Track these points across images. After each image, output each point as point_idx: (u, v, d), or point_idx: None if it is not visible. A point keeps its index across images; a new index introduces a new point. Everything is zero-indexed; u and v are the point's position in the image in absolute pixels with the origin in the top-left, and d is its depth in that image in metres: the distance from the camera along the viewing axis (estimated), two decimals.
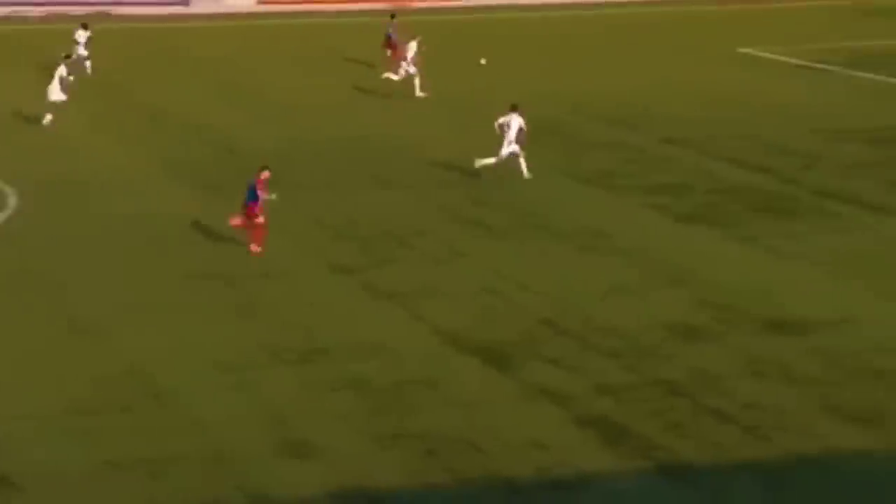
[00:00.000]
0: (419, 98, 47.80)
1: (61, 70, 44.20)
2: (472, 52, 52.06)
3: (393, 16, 54.83)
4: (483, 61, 49.11)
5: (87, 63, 51.61)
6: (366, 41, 54.69)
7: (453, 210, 34.16)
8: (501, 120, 36.94)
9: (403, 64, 48.17)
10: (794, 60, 56.89)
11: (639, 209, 33.26)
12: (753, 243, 31.62)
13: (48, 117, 43.46)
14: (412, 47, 48.40)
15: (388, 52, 51.95)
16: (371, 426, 21.89)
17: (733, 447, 21.17)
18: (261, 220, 30.38)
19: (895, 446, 21.24)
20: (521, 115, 36.70)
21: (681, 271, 29.53)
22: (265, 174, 30.62)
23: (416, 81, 48.00)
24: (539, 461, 20.74)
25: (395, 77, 48.20)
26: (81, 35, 52.62)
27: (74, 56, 49.87)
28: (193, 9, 70.39)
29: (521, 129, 36.86)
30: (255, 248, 30.49)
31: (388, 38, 52.59)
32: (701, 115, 45.80)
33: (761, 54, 58.39)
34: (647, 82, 50.66)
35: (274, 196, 30.60)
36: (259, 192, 30.30)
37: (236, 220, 30.72)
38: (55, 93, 43.56)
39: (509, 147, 36.72)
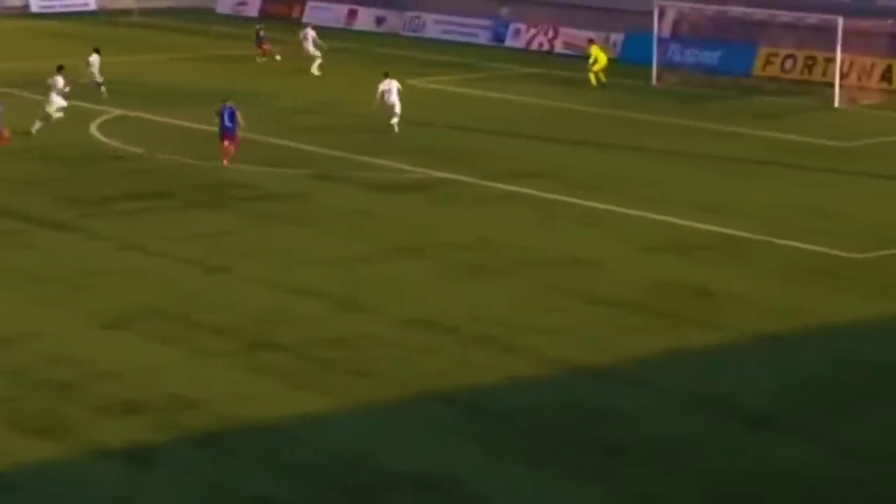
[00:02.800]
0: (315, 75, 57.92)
1: (57, 83, 44.62)
2: None
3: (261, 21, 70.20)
4: None
5: (103, 88, 51.36)
6: None
7: None
8: (382, 88, 44.03)
9: (312, 49, 58.55)
10: None
11: None
12: None
13: (37, 124, 44.47)
14: (311, 35, 58.92)
15: (260, 50, 63.07)
16: None
17: None
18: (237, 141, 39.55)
19: (78, 455, 21.81)
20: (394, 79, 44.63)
21: None
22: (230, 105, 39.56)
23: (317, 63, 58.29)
24: None
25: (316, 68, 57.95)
26: (95, 59, 52.05)
27: (89, 81, 50.81)
28: None
29: (398, 91, 44.20)
30: (227, 163, 38.91)
31: (259, 38, 63.29)
32: None
33: None
34: None
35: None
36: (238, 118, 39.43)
37: (226, 153, 39.17)
38: (55, 104, 44.26)
39: (395, 108, 44.02)
